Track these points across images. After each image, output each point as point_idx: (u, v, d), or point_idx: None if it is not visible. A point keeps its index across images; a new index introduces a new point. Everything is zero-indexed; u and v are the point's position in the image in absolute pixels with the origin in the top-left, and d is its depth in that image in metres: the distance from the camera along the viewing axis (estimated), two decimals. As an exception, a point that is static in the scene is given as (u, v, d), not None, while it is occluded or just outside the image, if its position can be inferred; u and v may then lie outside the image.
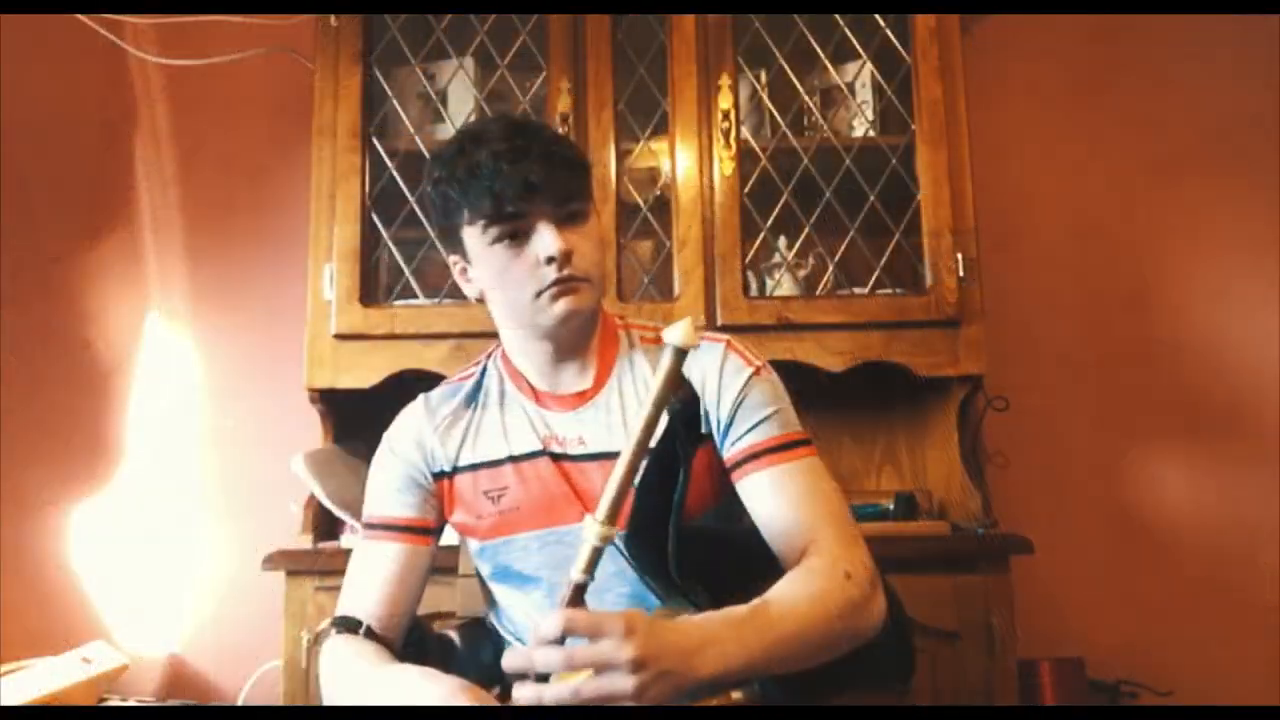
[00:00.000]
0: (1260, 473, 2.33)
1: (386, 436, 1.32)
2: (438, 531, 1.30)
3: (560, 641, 0.91)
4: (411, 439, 1.30)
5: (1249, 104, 2.45)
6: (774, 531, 1.15)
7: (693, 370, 1.24)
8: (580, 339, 1.27)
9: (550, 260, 1.17)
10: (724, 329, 2.00)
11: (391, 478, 1.29)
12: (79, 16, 2.35)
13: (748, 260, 2.08)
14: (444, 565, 1.61)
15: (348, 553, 1.92)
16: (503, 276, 1.21)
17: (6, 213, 2.37)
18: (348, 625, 1.22)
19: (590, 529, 0.97)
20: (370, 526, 1.29)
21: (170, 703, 2.13)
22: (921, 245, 2.07)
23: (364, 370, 2.04)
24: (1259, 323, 2.38)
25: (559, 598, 0.97)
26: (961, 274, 2.04)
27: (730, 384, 1.21)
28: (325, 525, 2.05)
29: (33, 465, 2.32)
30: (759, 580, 1.08)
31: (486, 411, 1.30)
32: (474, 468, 1.27)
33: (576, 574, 0.97)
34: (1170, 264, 2.42)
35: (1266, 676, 2.23)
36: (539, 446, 1.25)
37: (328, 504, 1.98)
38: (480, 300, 1.28)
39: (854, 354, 2.03)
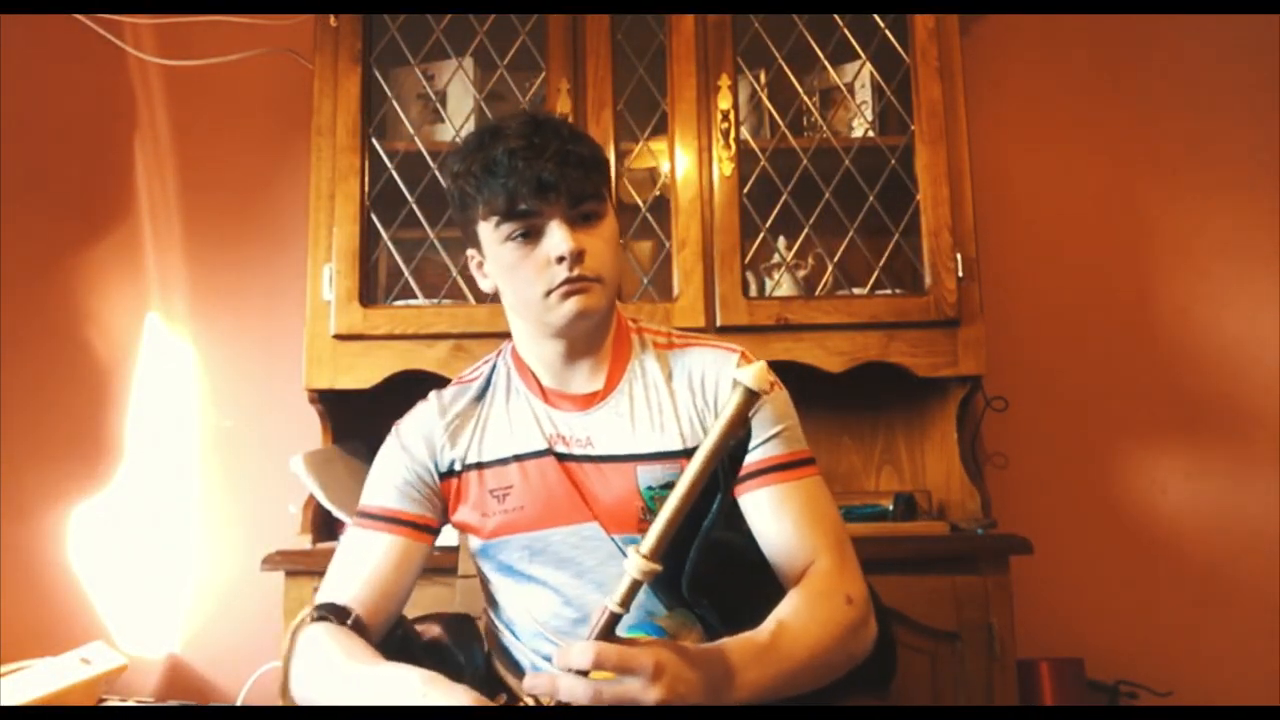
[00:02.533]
0: (1260, 473, 2.33)
1: (396, 430, 1.31)
2: (436, 532, 1.29)
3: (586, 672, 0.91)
4: (421, 436, 1.29)
5: (1249, 104, 2.45)
6: (775, 549, 1.17)
7: (706, 378, 1.25)
8: (592, 340, 1.26)
9: (561, 259, 1.17)
10: (723, 330, 2.00)
11: (397, 471, 1.28)
12: (78, 17, 2.36)
13: (747, 260, 2.08)
14: (444, 565, 1.62)
15: (347, 553, 1.93)
16: (514, 273, 1.21)
17: (6, 212, 2.37)
18: (335, 613, 1.16)
19: (633, 562, 0.93)
20: (367, 516, 1.27)
21: (169, 703, 2.13)
22: (921, 245, 2.07)
23: (363, 371, 2.04)
24: (1259, 323, 2.38)
25: (590, 625, 0.95)
26: (961, 274, 2.04)
27: None
28: (324, 526, 2.05)
29: (33, 465, 2.32)
30: (761, 592, 1.10)
31: (493, 408, 1.30)
32: (480, 466, 1.27)
33: (613, 605, 0.93)
34: (1170, 264, 2.42)
35: (1266, 677, 2.23)
36: (544, 445, 1.25)
37: (327, 504, 1.98)
38: (495, 296, 1.29)
39: (853, 354, 2.03)
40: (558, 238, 1.17)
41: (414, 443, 1.29)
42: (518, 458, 1.26)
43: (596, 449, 1.24)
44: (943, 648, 1.86)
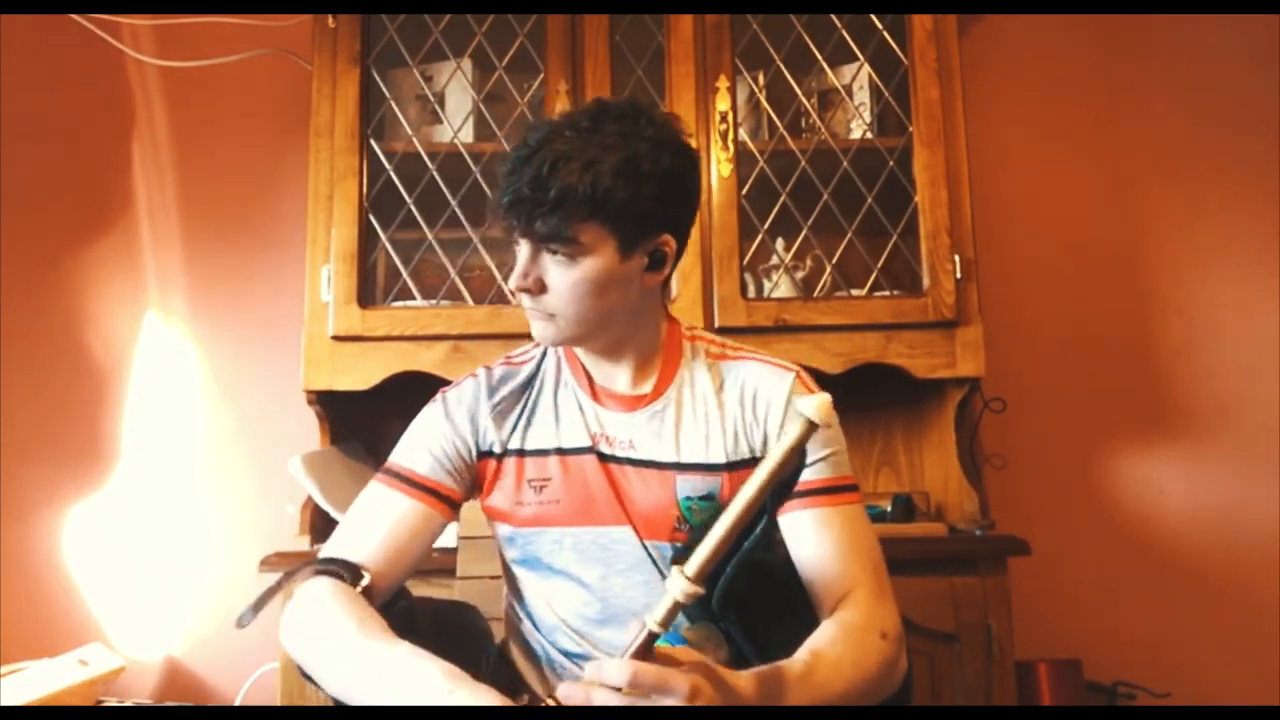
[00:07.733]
0: (1258, 473, 2.33)
1: (442, 397, 1.29)
2: (458, 507, 1.27)
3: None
4: (466, 410, 1.27)
5: (1249, 104, 2.45)
6: (812, 573, 1.16)
7: (758, 396, 1.24)
8: (614, 344, 1.25)
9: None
10: (722, 331, 2.00)
11: (435, 439, 1.25)
12: (76, 17, 2.36)
13: (746, 262, 2.08)
14: (443, 566, 1.62)
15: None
16: None
17: (6, 212, 2.37)
18: (348, 571, 1.14)
19: (676, 583, 0.92)
20: (395, 475, 1.23)
21: (167, 704, 2.13)
22: (919, 247, 2.07)
23: (361, 372, 2.04)
24: (1257, 323, 2.38)
25: (627, 643, 0.93)
26: (959, 275, 2.04)
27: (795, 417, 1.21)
28: (323, 527, 2.04)
29: (31, 465, 2.32)
30: (789, 613, 1.10)
31: (541, 397, 1.28)
32: (522, 454, 1.25)
33: (652, 624, 0.92)
34: (1168, 264, 2.42)
35: (1265, 677, 2.23)
36: (588, 443, 1.24)
37: (325, 506, 1.97)
38: (496, 297, 1.28)
39: (851, 356, 2.03)
40: (518, 265, 1.17)
41: (459, 415, 1.26)
42: (560, 451, 1.24)
43: (638, 453, 1.23)
44: (941, 649, 1.86)
